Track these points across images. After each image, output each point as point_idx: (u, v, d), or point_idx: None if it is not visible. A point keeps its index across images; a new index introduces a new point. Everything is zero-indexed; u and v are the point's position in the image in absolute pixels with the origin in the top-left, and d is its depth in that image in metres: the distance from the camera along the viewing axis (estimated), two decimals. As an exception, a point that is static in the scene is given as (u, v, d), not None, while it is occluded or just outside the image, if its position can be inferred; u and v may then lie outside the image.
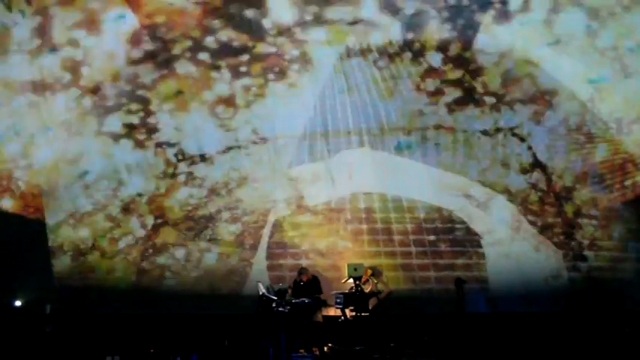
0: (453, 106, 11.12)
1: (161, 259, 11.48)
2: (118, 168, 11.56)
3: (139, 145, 11.47)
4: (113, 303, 11.26)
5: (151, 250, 11.50)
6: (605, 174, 10.82)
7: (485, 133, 11.09)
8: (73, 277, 11.47)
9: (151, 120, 11.46)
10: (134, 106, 11.41)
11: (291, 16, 11.08)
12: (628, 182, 10.76)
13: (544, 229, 10.86)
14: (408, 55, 11.09)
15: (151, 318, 10.90)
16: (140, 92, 11.37)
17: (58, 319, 10.77)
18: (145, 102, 11.38)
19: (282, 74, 11.27)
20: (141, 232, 11.54)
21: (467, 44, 10.95)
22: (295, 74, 11.28)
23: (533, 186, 10.99)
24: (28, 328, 10.46)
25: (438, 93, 11.14)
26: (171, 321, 10.80)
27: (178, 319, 10.87)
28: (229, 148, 11.49)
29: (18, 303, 11.10)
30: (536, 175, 10.98)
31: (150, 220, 11.56)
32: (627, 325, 9.86)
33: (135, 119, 11.44)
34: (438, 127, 11.15)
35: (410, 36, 11.02)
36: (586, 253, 10.69)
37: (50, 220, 11.57)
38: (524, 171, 11.02)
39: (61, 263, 11.46)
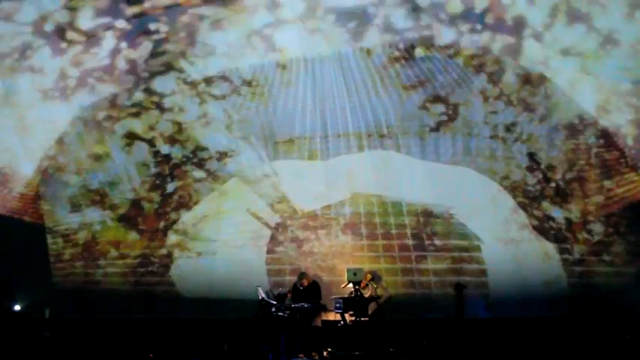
0: (453, 108, 11.11)
1: (161, 262, 11.49)
2: (118, 169, 11.61)
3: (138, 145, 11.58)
4: (112, 307, 11.26)
5: (149, 253, 11.51)
6: (604, 176, 10.80)
7: (485, 134, 11.07)
8: (73, 282, 11.49)
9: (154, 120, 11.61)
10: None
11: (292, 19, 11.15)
12: (627, 184, 10.75)
13: (544, 234, 10.83)
14: (409, 57, 11.10)
15: (150, 322, 10.90)
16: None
17: (57, 323, 10.77)
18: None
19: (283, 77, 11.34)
20: (139, 235, 11.57)
21: (468, 46, 10.97)
22: (295, 77, 11.33)
23: (534, 189, 10.96)
24: (27, 333, 10.46)
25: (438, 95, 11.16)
26: (171, 325, 10.79)
27: (178, 323, 10.87)
28: (229, 150, 11.52)
29: (17, 307, 11.10)
30: (537, 178, 10.96)
31: (149, 221, 11.60)
32: (627, 331, 9.85)
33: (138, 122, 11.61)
34: (437, 129, 11.15)
35: (411, 39, 11.05)
36: (586, 258, 10.66)
37: (49, 223, 11.61)
38: (524, 174, 10.99)
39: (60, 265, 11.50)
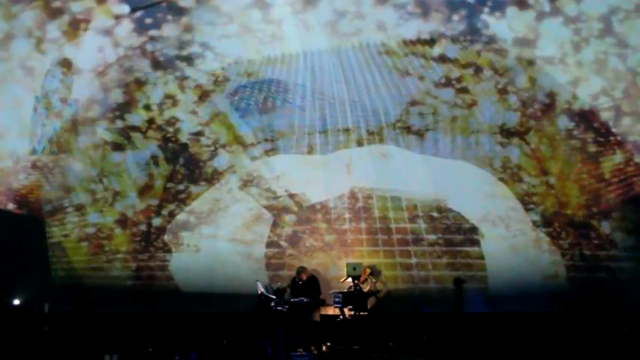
0: (453, 104, 11.08)
1: (160, 256, 11.49)
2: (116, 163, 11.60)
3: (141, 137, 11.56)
4: (112, 302, 11.26)
5: (149, 248, 11.50)
6: (605, 171, 10.78)
7: (484, 129, 11.04)
8: (72, 276, 11.48)
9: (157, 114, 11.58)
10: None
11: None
12: (627, 180, 10.73)
13: (544, 229, 10.82)
14: (408, 52, 11.06)
15: (149, 317, 10.90)
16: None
17: (56, 318, 10.77)
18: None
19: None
20: (139, 229, 11.56)
21: (467, 41, 10.93)
22: (294, 72, 11.30)
23: (534, 184, 10.95)
24: (26, 327, 10.45)
25: (437, 89, 11.12)
26: (170, 320, 10.80)
27: (177, 317, 10.87)
28: (228, 145, 11.51)
29: (16, 302, 11.10)
30: (537, 173, 10.95)
31: (148, 216, 11.60)
32: (626, 325, 9.85)
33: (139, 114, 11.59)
34: (436, 125, 11.12)
35: (410, 33, 11.00)
36: (585, 252, 10.67)
37: (48, 217, 11.59)
38: (524, 169, 10.97)
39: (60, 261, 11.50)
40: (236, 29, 11.22)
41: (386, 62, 11.08)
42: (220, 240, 11.45)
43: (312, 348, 9.66)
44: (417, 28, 10.96)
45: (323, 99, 11.30)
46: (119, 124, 11.57)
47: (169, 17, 11.27)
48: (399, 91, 11.13)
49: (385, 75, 11.11)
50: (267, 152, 11.45)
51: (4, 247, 11.15)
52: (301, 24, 11.09)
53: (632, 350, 9.23)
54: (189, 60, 11.38)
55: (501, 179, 11.00)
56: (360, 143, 11.29)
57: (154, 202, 11.58)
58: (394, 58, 11.06)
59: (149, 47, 11.38)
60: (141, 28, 11.31)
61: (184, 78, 11.43)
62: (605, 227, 10.65)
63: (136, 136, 11.57)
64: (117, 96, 11.53)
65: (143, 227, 11.56)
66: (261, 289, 9.88)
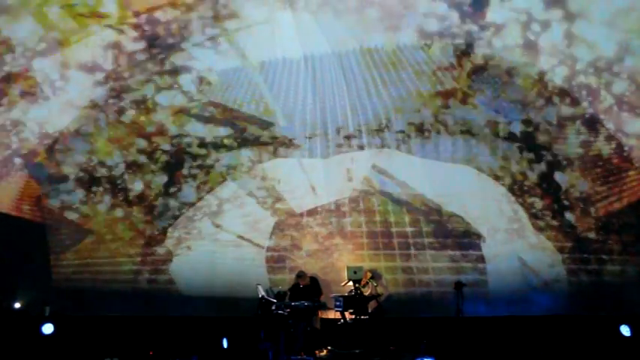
0: (453, 106, 11.10)
1: (160, 260, 11.49)
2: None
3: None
4: (112, 305, 11.25)
5: (150, 250, 11.51)
6: (605, 173, 10.80)
7: (486, 133, 11.06)
8: (73, 280, 11.48)
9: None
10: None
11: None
12: (628, 183, 10.74)
13: (544, 232, 10.83)
14: (408, 55, 11.09)
15: (150, 320, 10.90)
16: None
17: (57, 321, 10.76)
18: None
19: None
20: (140, 230, 11.57)
21: (465, 44, 10.96)
22: (295, 76, 11.32)
23: (534, 188, 10.97)
24: (27, 331, 10.45)
25: (438, 94, 11.13)
26: (171, 323, 10.79)
27: (178, 321, 10.87)
28: (229, 148, 11.51)
29: (17, 305, 11.10)
30: (537, 176, 10.96)
31: (149, 217, 11.60)
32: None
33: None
34: (437, 127, 11.15)
35: (410, 37, 11.03)
36: (586, 256, 10.67)
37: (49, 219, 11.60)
38: (525, 172, 10.99)
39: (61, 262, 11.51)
40: (235, 32, 11.25)
41: (387, 66, 11.10)
42: (221, 243, 11.45)
43: (316, 352, 9.66)
44: (417, 31, 10.98)
45: (324, 103, 11.32)
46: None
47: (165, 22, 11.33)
48: (400, 94, 11.14)
49: (386, 79, 11.13)
50: (268, 156, 11.46)
51: (5, 250, 11.14)
52: (302, 27, 11.11)
53: (633, 353, 9.24)
54: (186, 61, 11.41)
55: (502, 183, 11.02)
56: (360, 147, 11.31)
57: (154, 204, 11.59)
58: (395, 61, 11.08)
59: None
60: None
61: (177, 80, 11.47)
62: (607, 231, 10.66)
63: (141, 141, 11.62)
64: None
65: (143, 229, 11.56)
66: (262, 293, 9.88)
